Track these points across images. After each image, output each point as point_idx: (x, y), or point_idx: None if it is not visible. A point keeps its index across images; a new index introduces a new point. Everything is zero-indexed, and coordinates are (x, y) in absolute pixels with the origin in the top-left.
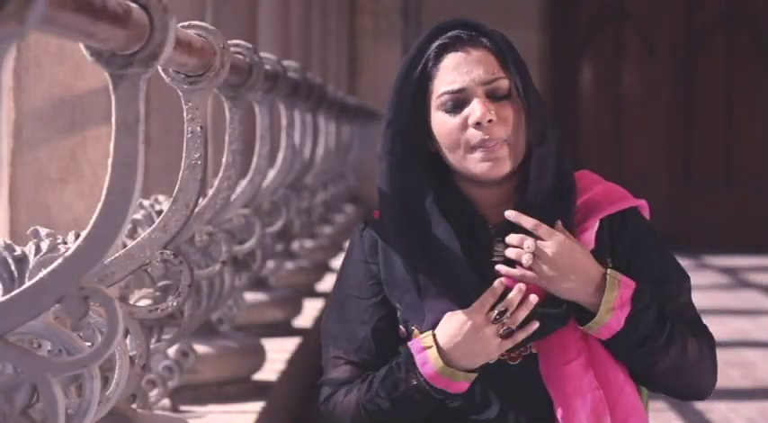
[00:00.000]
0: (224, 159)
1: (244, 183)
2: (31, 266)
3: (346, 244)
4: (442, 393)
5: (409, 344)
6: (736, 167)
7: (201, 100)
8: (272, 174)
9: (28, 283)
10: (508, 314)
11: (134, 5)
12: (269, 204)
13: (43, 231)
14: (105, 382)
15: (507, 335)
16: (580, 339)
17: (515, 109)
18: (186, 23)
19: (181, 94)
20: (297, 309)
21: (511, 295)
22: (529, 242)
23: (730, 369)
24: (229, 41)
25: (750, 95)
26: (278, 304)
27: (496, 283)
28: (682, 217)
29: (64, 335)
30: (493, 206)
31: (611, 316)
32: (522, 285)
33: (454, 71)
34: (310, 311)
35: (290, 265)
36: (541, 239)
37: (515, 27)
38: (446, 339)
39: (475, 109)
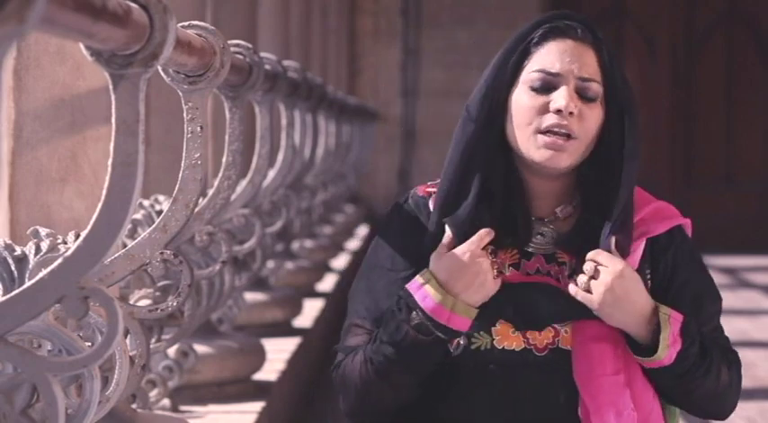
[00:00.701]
0: (224, 159)
1: (244, 183)
2: (31, 266)
3: (346, 244)
4: (444, 330)
5: (406, 285)
6: (736, 167)
7: (201, 100)
8: (272, 174)
9: (28, 283)
10: (504, 267)
11: (134, 5)
12: (269, 204)
13: (43, 231)
14: (105, 382)
15: (500, 272)
16: (619, 358)
17: (597, 115)
18: (186, 23)
19: (181, 94)
20: (297, 309)
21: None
22: (589, 266)
23: None
24: (229, 41)
25: (750, 95)
26: (278, 304)
27: (484, 231)
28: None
29: (64, 335)
30: (544, 198)
31: (666, 353)
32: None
33: (556, 55)
34: (310, 311)
35: (290, 265)
36: (602, 264)
37: (515, 27)
38: (444, 273)
39: (560, 96)
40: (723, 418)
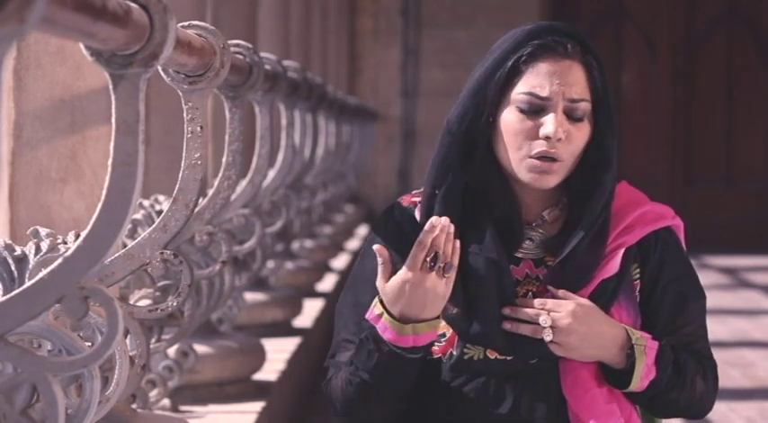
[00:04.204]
0: (224, 159)
1: (244, 183)
2: (31, 266)
3: (346, 244)
4: (414, 350)
5: (366, 315)
6: (736, 167)
7: (201, 100)
8: (272, 174)
9: (28, 283)
10: (440, 255)
11: (134, 5)
12: (269, 204)
13: (43, 231)
14: (105, 382)
15: (449, 269)
16: (600, 371)
17: (585, 133)
18: (186, 23)
19: (181, 94)
20: (297, 309)
21: (437, 242)
22: (544, 317)
23: (730, 369)
24: (229, 41)
25: (750, 95)
26: (278, 304)
27: (422, 235)
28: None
29: (64, 335)
30: (531, 203)
31: (639, 384)
32: (435, 220)
33: (547, 77)
34: (310, 311)
35: (290, 265)
36: (553, 311)
37: (515, 27)
38: (393, 304)
39: (549, 123)
40: (700, 418)
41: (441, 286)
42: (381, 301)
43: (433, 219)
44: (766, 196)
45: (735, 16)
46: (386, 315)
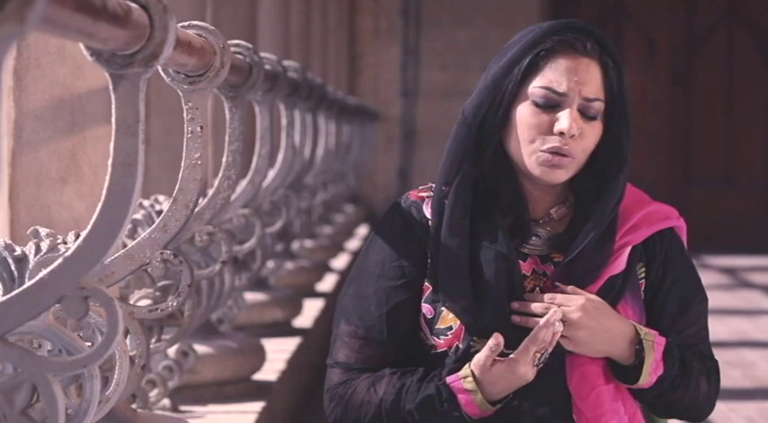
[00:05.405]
0: (224, 159)
1: (244, 183)
2: (31, 266)
3: (346, 244)
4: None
5: (449, 382)
6: (736, 167)
7: (201, 100)
8: (272, 174)
9: (28, 283)
10: (548, 352)
11: (134, 5)
12: (269, 204)
13: (43, 231)
14: (105, 382)
15: (545, 359)
16: (608, 368)
17: (597, 131)
18: (186, 23)
19: (181, 94)
20: (297, 309)
21: (547, 337)
22: (552, 311)
23: (730, 369)
24: (229, 41)
25: (750, 95)
26: (278, 304)
27: (537, 331)
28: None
29: (64, 335)
30: (539, 200)
31: (648, 379)
32: (552, 316)
33: (565, 73)
34: (310, 311)
35: (290, 265)
36: (563, 305)
37: (515, 27)
38: (490, 386)
39: (564, 119)
40: (700, 420)
41: (531, 373)
42: (474, 377)
43: (551, 315)
44: (766, 196)
45: (735, 16)
46: (479, 396)
